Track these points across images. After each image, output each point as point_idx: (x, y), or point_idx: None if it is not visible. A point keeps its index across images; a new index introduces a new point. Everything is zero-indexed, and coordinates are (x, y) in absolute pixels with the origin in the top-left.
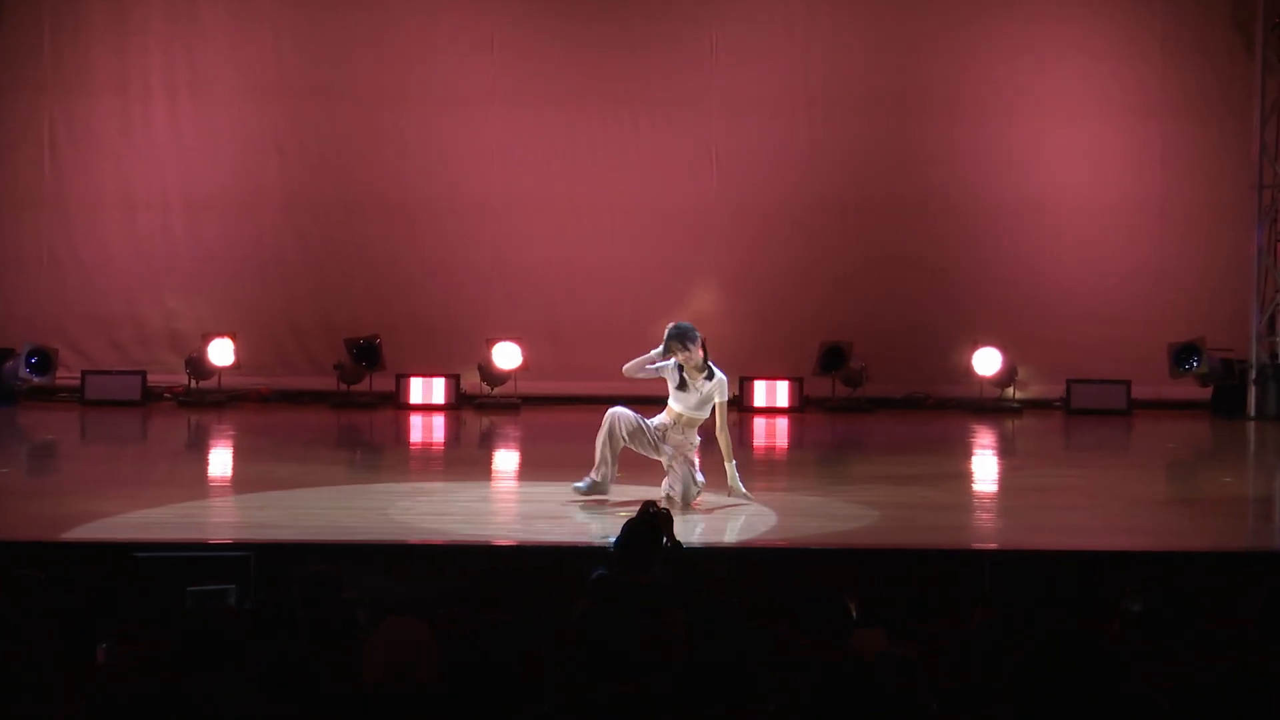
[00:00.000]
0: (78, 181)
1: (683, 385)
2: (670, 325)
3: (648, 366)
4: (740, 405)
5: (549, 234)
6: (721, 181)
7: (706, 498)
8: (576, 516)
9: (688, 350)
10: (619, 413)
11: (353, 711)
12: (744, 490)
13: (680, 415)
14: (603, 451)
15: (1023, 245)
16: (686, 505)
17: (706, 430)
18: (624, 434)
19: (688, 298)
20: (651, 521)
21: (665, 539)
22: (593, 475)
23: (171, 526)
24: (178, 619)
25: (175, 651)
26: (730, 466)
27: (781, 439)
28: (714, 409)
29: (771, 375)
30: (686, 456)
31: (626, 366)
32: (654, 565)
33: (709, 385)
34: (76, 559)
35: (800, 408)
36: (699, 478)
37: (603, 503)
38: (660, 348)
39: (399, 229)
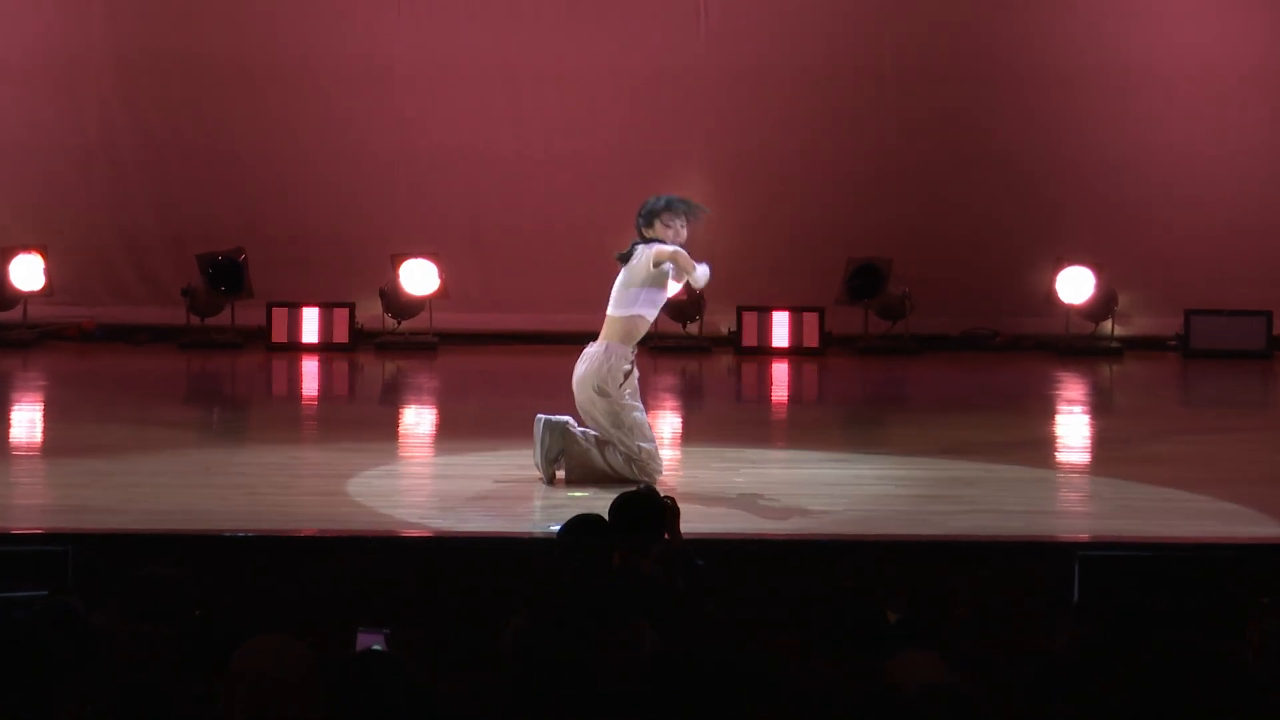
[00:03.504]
0: None
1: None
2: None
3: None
4: (738, 346)
5: (475, 112)
6: (712, 39)
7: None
8: (513, 498)
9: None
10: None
11: None
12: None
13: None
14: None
15: (1124, 127)
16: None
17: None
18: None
19: None
20: (654, 506)
21: (665, 534)
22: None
23: None
24: None
25: None
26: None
27: (795, 390)
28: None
29: (781, 305)
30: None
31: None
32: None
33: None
34: None
35: (821, 349)
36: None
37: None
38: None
39: (270, 105)
